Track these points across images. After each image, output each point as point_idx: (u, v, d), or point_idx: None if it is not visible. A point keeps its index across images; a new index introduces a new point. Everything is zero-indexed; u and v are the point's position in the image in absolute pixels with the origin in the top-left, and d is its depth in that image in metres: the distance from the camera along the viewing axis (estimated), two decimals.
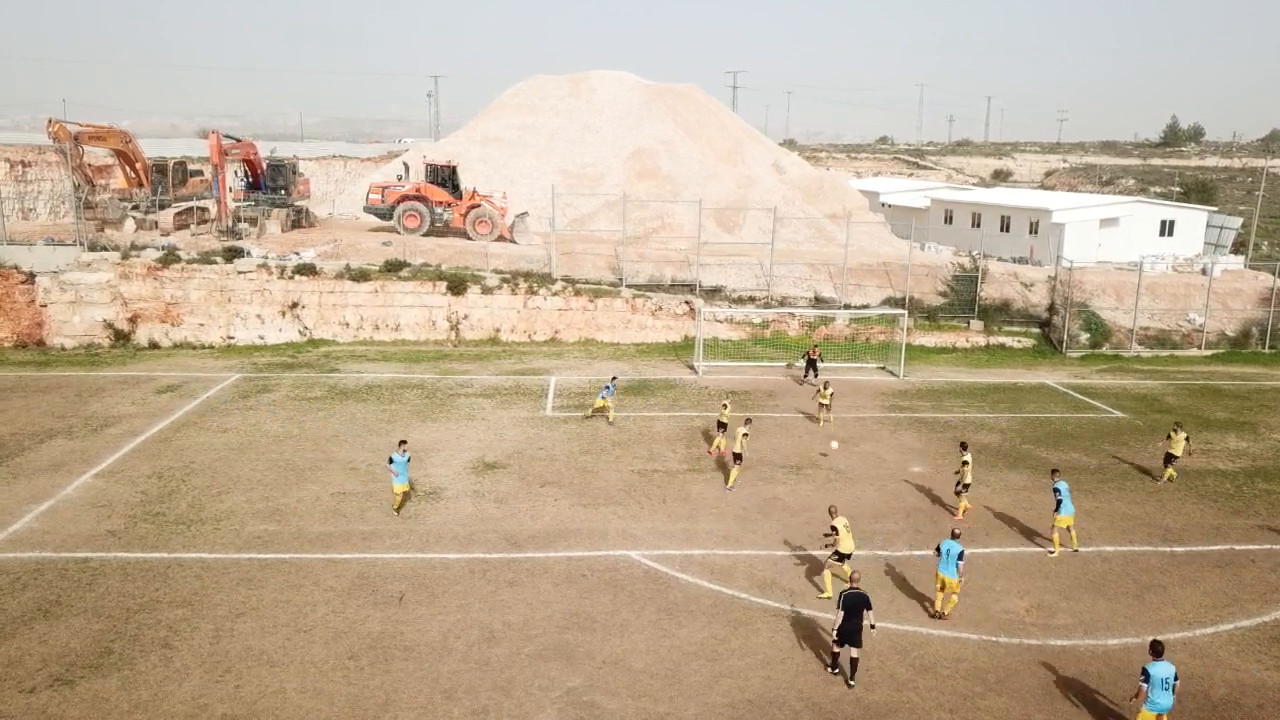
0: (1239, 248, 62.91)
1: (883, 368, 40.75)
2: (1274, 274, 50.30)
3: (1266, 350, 46.46)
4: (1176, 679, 14.45)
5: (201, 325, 41.63)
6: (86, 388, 34.49)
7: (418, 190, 49.03)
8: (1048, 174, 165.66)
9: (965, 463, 23.80)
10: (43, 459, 26.69)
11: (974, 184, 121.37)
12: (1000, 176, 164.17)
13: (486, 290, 43.19)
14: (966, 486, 23.92)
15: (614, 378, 33.36)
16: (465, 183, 50.90)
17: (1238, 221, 64.11)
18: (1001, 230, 63.39)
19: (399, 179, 51.25)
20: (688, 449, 28.81)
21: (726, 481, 25.59)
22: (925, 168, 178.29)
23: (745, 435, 25.42)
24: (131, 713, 15.27)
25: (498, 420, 31.37)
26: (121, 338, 41.03)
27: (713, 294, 45.81)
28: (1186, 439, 27.02)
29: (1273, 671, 17.24)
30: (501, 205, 49.66)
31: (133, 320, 41.29)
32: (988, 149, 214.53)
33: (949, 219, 69.24)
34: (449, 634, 17.71)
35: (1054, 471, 23.20)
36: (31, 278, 40.98)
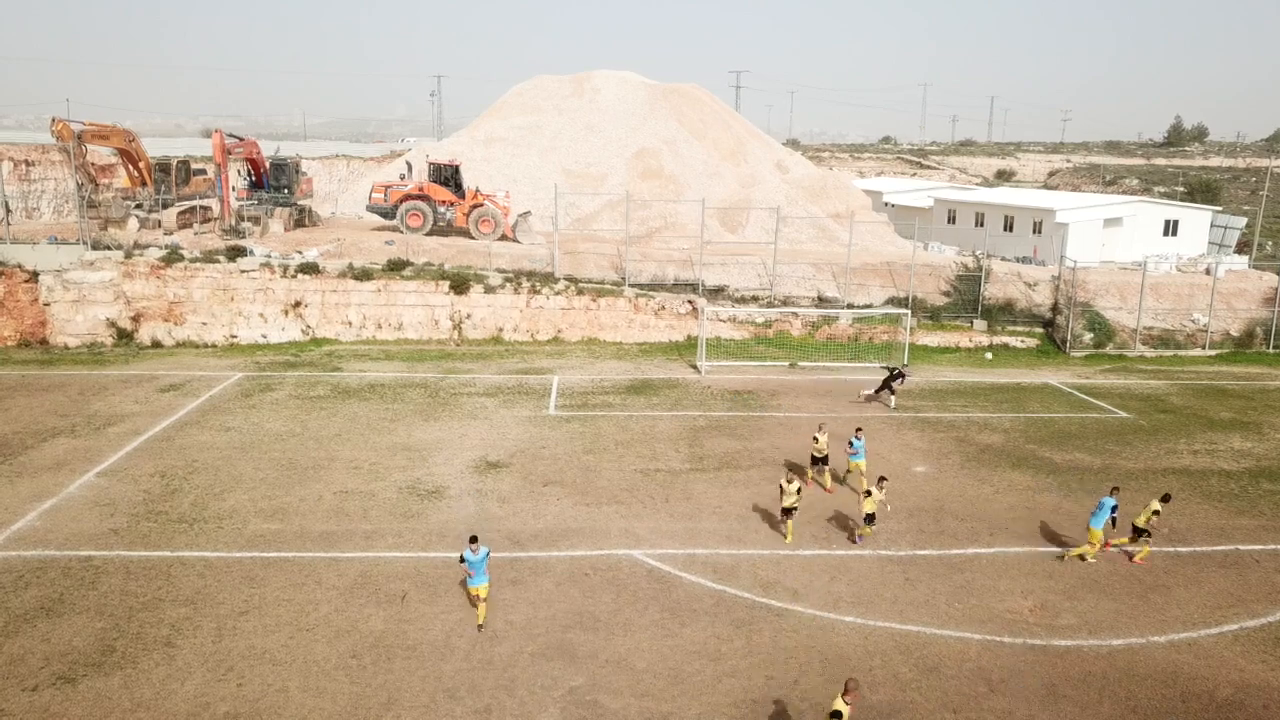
0: (1243, 248, 62.77)
1: (886, 367, 40.63)
2: (1278, 274, 50.25)
3: (1271, 350, 46.34)
4: None
5: (204, 324, 41.63)
6: (89, 386, 34.50)
7: (421, 189, 49.02)
8: (1051, 174, 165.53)
9: (1156, 512, 21.29)
10: (46, 457, 26.69)
11: (977, 184, 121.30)
12: (1004, 176, 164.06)
13: (489, 289, 43.16)
14: (1147, 534, 21.56)
15: (859, 429, 26.15)
16: (468, 182, 50.87)
17: (1242, 221, 64.01)
18: (1005, 230, 63.36)
19: (401, 178, 51.21)
20: (690, 448, 28.76)
21: (859, 536, 22.47)
22: (928, 167, 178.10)
23: (869, 495, 21.96)
24: (134, 711, 15.25)
25: (500, 419, 31.34)
26: (124, 336, 41.04)
27: (716, 293, 45.77)
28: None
29: (1278, 672, 17.18)
30: (504, 204, 49.62)
31: (136, 319, 41.30)
32: (991, 149, 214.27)
33: (952, 219, 69.20)
34: (452, 633, 17.68)
35: (1114, 490, 21.84)
36: (35, 277, 40.99)
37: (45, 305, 41.08)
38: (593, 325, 44.10)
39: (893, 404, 34.40)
